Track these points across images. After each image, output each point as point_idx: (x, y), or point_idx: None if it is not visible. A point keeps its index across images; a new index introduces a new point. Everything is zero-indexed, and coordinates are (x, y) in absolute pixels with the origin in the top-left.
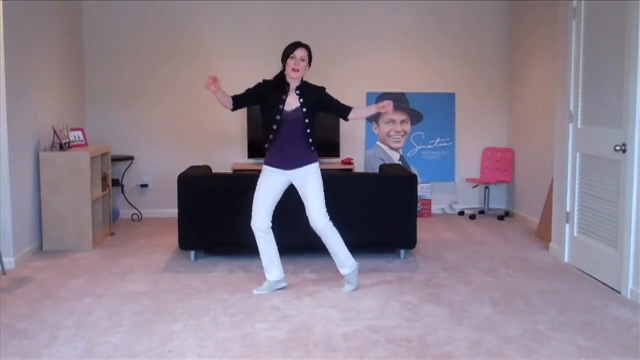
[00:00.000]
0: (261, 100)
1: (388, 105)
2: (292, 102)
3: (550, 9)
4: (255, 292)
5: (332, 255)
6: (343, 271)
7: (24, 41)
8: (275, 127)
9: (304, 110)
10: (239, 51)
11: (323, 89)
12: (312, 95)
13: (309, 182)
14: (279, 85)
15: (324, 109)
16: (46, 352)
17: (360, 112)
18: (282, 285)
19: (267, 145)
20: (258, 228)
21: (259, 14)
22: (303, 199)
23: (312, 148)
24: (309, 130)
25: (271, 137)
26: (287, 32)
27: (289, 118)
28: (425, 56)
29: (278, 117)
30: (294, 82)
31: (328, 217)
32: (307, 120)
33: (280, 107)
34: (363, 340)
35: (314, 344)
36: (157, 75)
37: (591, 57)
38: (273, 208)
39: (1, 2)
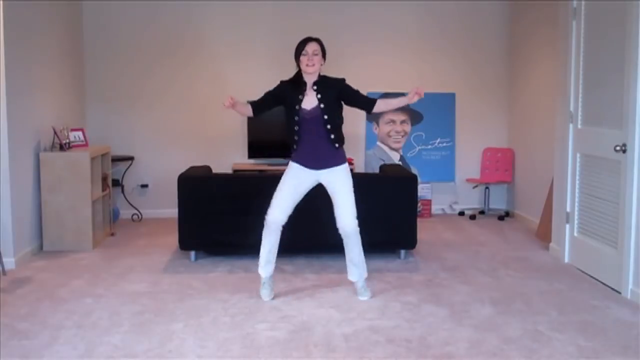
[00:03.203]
0: (282, 102)
1: (419, 90)
2: (310, 100)
3: (550, 9)
4: (266, 299)
5: (347, 260)
6: (352, 278)
7: (24, 41)
8: (296, 127)
9: (322, 106)
10: (239, 51)
11: (343, 80)
12: (331, 88)
13: (339, 184)
14: (297, 84)
15: (345, 102)
16: (46, 352)
17: (387, 105)
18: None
19: (294, 146)
20: (271, 221)
21: (259, 14)
22: (333, 201)
23: (337, 145)
24: (329, 126)
25: (295, 138)
26: (287, 33)
27: (307, 117)
28: (426, 56)
29: (296, 118)
30: (310, 77)
31: (357, 221)
32: (326, 117)
33: (297, 107)
34: (363, 340)
35: (314, 344)
36: (157, 75)
37: (591, 57)
38: (293, 206)
39: (1, 2)
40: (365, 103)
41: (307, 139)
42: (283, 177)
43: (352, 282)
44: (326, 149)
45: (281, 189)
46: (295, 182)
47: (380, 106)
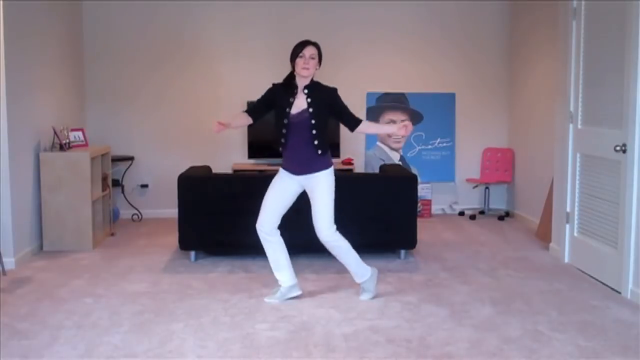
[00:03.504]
0: (273, 104)
1: (408, 126)
2: (300, 103)
3: (550, 9)
4: (266, 299)
5: (345, 265)
6: (357, 280)
7: (24, 41)
8: (284, 130)
9: (310, 110)
10: (238, 52)
11: (334, 91)
12: (322, 96)
13: (317, 189)
14: (288, 87)
15: (332, 114)
16: (46, 352)
17: (370, 128)
18: (294, 294)
19: (280, 149)
20: (260, 229)
21: (259, 15)
22: (311, 206)
23: (320, 151)
24: (314, 132)
25: (282, 140)
26: (286, 33)
27: (295, 120)
28: (426, 56)
29: (285, 121)
30: (303, 81)
31: (334, 229)
32: (313, 121)
33: (287, 110)
34: (363, 340)
35: (314, 344)
36: (157, 76)
37: (591, 57)
38: (281, 212)
39: (1, 2)
40: (350, 121)
41: (293, 143)
42: (271, 185)
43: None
44: (310, 154)
45: (267, 196)
46: (279, 189)
47: (363, 127)
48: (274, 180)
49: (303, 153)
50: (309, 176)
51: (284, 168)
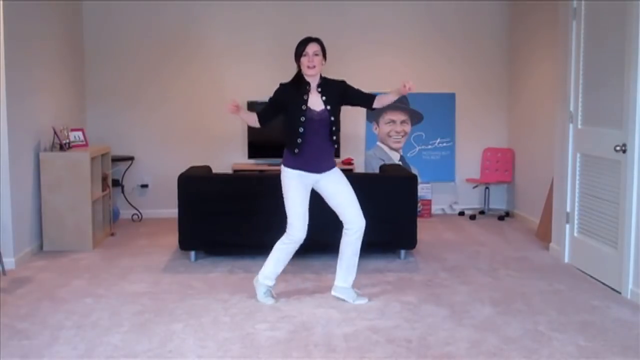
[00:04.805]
0: (284, 105)
1: (409, 85)
2: (315, 101)
3: (550, 9)
4: (264, 302)
5: (343, 263)
6: (345, 283)
7: (24, 42)
8: (301, 129)
9: (328, 108)
10: (239, 53)
11: (344, 82)
12: (334, 90)
13: (340, 182)
14: (298, 85)
15: (348, 102)
16: (46, 352)
17: (384, 99)
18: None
19: (296, 150)
20: (298, 239)
21: (260, 16)
22: (334, 201)
23: (336, 146)
24: (334, 128)
25: (299, 140)
26: (288, 34)
27: (314, 118)
28: (426, 56)
29: (302, 119)
30: (313, 79)
31: None
32: (332, 118)
33: (303, 107)
34: (363, 340)
35: (314, 344)
36: (157, 76)
37: (591, 58)
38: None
39: (1, 2)
40: (368, 100)
41: (311, 142)
42: (290, 190)
43: (343, 287)
44: (327, 152)
45: (293, 204)
46: (303, 192)
47: (379, 102)
48: (289, 185)
49: (323, 150)
50: (329, 172)
51: (299, 168)
